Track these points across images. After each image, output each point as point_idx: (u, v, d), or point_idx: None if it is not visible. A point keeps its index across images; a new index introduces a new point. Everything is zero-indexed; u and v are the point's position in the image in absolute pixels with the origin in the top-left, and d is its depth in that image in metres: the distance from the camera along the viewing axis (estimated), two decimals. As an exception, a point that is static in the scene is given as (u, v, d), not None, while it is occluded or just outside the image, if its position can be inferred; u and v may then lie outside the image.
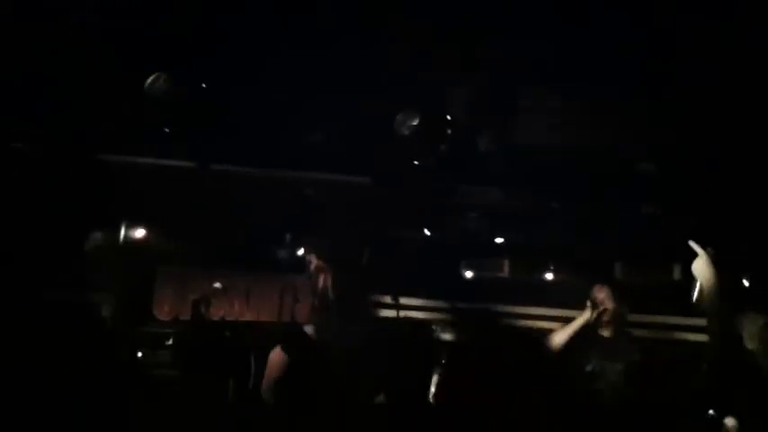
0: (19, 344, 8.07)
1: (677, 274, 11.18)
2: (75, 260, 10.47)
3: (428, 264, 11.76)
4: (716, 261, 5.31)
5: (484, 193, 10.40)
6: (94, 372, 8.07)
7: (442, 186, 10.19)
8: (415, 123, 8.67)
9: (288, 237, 11.48)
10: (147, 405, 8.13)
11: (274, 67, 8.46)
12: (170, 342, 10.64)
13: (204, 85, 8.68)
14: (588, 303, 7.72)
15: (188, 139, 9.38)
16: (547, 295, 11.53)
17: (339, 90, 8.46)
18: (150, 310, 11.91)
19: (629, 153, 9.04)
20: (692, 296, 5.69)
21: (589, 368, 7.49)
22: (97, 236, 10.76)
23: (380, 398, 6.62)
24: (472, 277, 12.08)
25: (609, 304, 7.76)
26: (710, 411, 6.68)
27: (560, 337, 7.59)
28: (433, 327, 10.73)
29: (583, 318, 7.67)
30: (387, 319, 11.84)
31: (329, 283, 10.04)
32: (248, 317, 11.92)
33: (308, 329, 9.32)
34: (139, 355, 10.35)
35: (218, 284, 11.12)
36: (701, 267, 5.31)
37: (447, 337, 10.42)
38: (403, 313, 11.43)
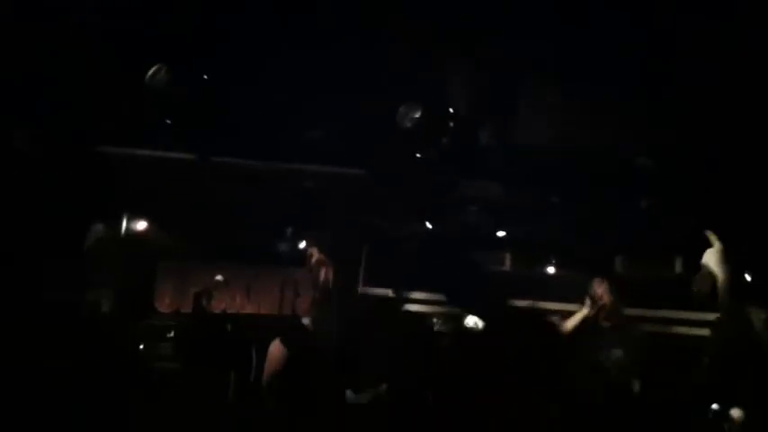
0: (22, 337, 8.11)
1: (678, 268, 11.20)
2: (76, 254, 10.48)
3: (429, 257, 11.77)
4: (728, 254, 5.34)
5: (485, 188, 10.40)
6: (97, 364, 8.12)
7: (444, 180, 10.18)
8: (417, 116, 8.66)
9: (289, 230, 11.47)
10: (149, 398, 8.18)
11: (275, 63, 8.47)
12: (171, 335, 10.65)
13: (205, 77, 8.65)
14: (587, 299, 7.76)
15: (188, 131, 9.37)
16: (548, 289, 11.54)
17: (340, 86, 8.46)
18: (152, 303, 11.94)
19: (629, 150, 9.03)
20: (695, 286, 5.72)
21: (590, 358, 7.55)
22: (98, 229, 10.76)
23: (381, 389, 6.66)
24: (473, 271, 12.08)
25: (607, 299, 7.80)
26: (714, 405, 6.71)
27: (565, 326, 7.65)
28: (434, 320, 10.75)
29: (582, 312, 7.71)
30: (388, 312, 11.88)
31: (330, 276, 10.06)
32: (249, 310, 11.94)
33: (308, 322, 9.35)
34: (141, 347, 10.37)
35: (219, 277, 11.12)
36: (714, 259, 5.34)
37: (447, 329, 10.45)
38: (404, 306, 11.46)
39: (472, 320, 10.18)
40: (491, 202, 10.60)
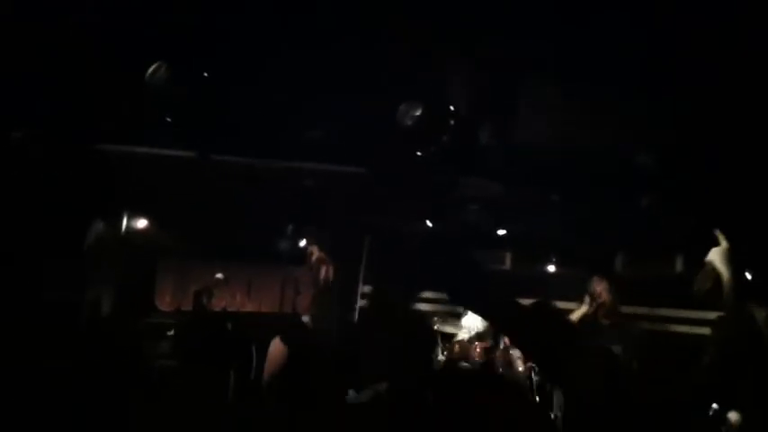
0: (22, 336, 8.12)
1: (678, 267, 11.22)
2: (76, 252, 10.49)
3: (429, 256, 11.77)
4: (733, 252, 5.35)
5: (485, 187, 10.41)
6: (97, 363, 8.12)
7: (444, 179, 10.18)
8: (417, 114, 8.66)
9: (289, 228, 11.49)
10: (149, 397, 8.19)
11: (275, 63, 8.46)
12: (171, 333, 10.68)
13: (206, 74, 8.65)
14: (586, 297, 7.80)
15: (189, 129, 9.37)
16: (548, 287, 11.56)
17: (340, 86, 8.45)
18: (152, 301, 11.96)
19: (629, 150, 9.03)
20: (697, 284, 5.72)
21: (587, 356, 7.56)
22: (98, 227, 10.77)
23: (381, 387, 6.66)
24: (474, 270, 12.09)
25: (606, 297, 7.84)
26: (714, 405, 6.72)
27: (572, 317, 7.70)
28: (434, 318, 10.77)
29: (581, 310, 7.75)
30: (387, 310, 11.89)
31: (330, 274, 10.07)
32: (250, 308, 11.98)
33: (308, 320, 9.37)
34: (141, 346, 10.39)
35: (219, 275, 11.15)
36: (720, 257, 5.35)
37: (447, 328, 10.47)
38: (404, 305, 11.49)
39: (470, 320, 10.21)
40: (491, 201, 10.61)
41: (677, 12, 7.14)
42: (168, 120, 8.99)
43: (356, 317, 12.32)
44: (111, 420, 7.40)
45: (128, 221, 11.30)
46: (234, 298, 12.08)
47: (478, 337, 10.01)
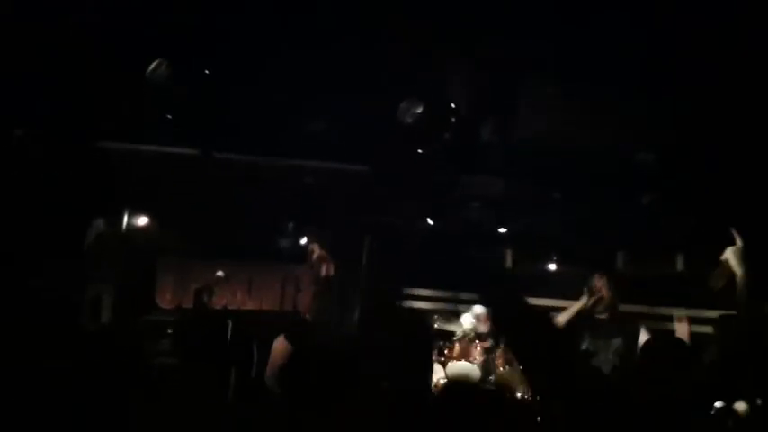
0: (22, 335, 8.13)
1: (679, 266, 11.23)
2: (76, 250, 10.50)
3: (430, 253, 11.78)
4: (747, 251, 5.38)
5: (487, 185, 10.41)
6: (97, 361, 8.13)
7: (445, 177, 10.18)
8: (418, 111, 8.66)
9: (290, 226, 11.49)
10: (150, 395, 8.19)
11: (275, 62, 8.46)
12: (172, 331, 10.68)
13: (207, 72, 8.65)
14: (585, 290, 7.81)
15: (189, 127, 9.37)
16: (549, 286, 11.57)
17: (340, 85, 8.45)
18: (153, 299, 11.97)
19: (630, 149, 9.05)
20: (712, 282, 5.75)
21: (584, 346, 7.60)
22: (99, 225, 10.78)
23: (383, 385, 6.66)
24: (474, 268, 12.10)
25: (605, 292, 7.85)
26: (717, 403, 6.72)
27: (561, 318, 7.70)
28: (435, 316, 10.76)
29: (580, 303, 7.76)
30: (388, 308, 11.88)
31: (331, 272, 10.07)
32: (250, 306, 11.98)
33: (309, 318, 9.36)
34: (142, 343, 10.40)
35: (220, 273, 11.14)
36: (735, 255, 5.38)
37: (447, 327, 10.46)
38: (404, 303, 11.49)
39: (470, 319, 10.20)
40: (493, 200, 10.61)
41: (677, 12, 7.13)
42: (169, 117, 8.99)
43: (357, 315, 12.31)
44: (111, 419, 7.40)
45: (128, 219, 11.30)
46: (235, 296, 12.08)
47: (478, 336, 9.99)
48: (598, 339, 7.69)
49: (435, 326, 10.27)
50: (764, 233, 7.37)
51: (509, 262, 12.21)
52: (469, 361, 9.77)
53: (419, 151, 9.30)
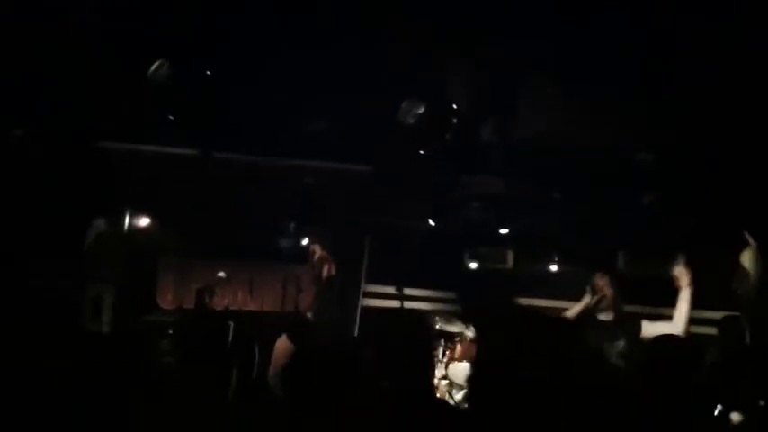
0: (23, 335, 8.13)
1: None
2: (77, 250, 10.51)
3: (431, 254, 11.78)
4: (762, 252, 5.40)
5: (488, 185, 10.41)
6: (97, 362, 8.12)
7: (446, 177, 10.18)
8: (420, 112, 8.65)
9: (291, 226, 11.49)
10: (150, 395, 8.18)
11: (276, 62, 8.46)
12: (172, 331, 10.69)
13: (208, 72, 8.65)
14: (588, 289, 7.78)
15: (191, 128, 9.38)
16: (551, 286, 11.56)
17: (340, 85, 8.45)
18: (153, 299, 11.97)
19: (630, 149, 9.04)
20: (735, 285, 5.77)
21: (587, 351, 7.56)
22: (99, 225, 10.79)
23: (383, 385, 6.66)
24: (475, 268, 12.11)
25: (608, 291, 7.82)
26: (718, 406, 6.72)
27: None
28: (436, 317, 10.75)
29: (583, 302, 7.73)
30: (389, 308, 11.90)
31: (333, 273, 10.06)
32: (252, 306, 11.99)
33: (311, 317, 9.37)
34: (142, 344, 10.41)
35: (221, 274, 11.15)
36: (749, 257, 5.41)
37: (449, 327, 10.45)
38: (405, 303, 11.48)
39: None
40: (494, 201, 10.60)
41: (677, 12, 7.13)
42: (170, 118, 8.99)
43: (358, 315, 12.35)
44: (112, 419, 7.39)
45: (129, 219, 11.31)
46: (236, 296, 12.08)
47: (481, 337, 10.00)
48: (602, 342, 7.66)
49: (437, 326, 10.25)
50: (765, 233, 7.40)
51: (510, 262, 12.21)
52: (471, 362, 9.77)
53: (420, 152, 9.29)
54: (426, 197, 10.99)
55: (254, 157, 10.32)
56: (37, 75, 8.20)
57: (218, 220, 11.20)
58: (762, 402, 6.94)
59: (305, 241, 11.15)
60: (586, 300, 7.72)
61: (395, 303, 11.69)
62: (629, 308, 8.45)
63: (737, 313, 7.45)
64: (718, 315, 8.53)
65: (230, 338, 10.39)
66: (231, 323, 10.47)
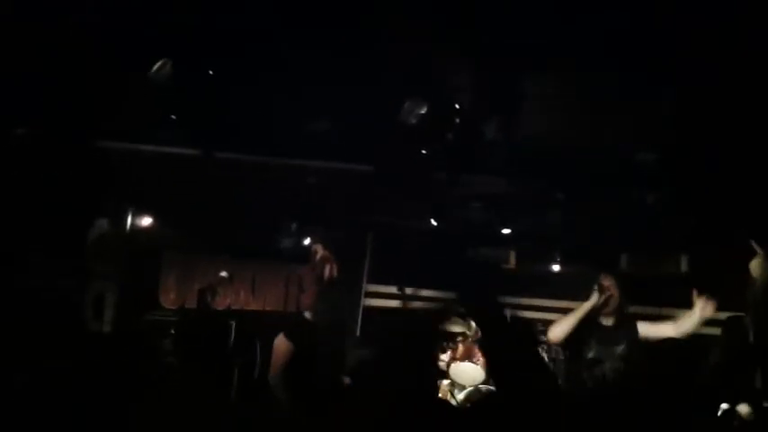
0: (24, 334, 8.15)
1: (683, 266, 11.21)
2: (79, 250, 10.53)
3: (433, 254, 11.78)
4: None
5: (490, 185, 10.41)
6: (100, 361, 8.15)
7: (448, 177, 10.19)
8: (422, 112, 8.65)
9: (293, 226, 11.51)
10: (153, 394, 8.21)
11: (277, 62, 8.46)
12: (175, 331, 10.72)
13: (210, 72, 8.66)
14: (596, 287, 7.77)
15: (192, 126, 9.39)
16: (553, 286, 11.57)
17: (343, 83, 8.46)
18: (156, 298, 12.00)
19: (631, 149, 9.04)
20: (750, 295, 5.78)
21: (591, 354, 7.56)
22: (102, 224, 10.81)
23: (383, 386, 6.68)
24: (477, 268, 12.12)
25: (614, 291, 7.81)
26: (723, 405, 6.73)
27: (568, 321, 7.65)
28: (437, 318, 10.77)
29: (591, 301, 7.72)
30: (390, 308, 11.91)
31: (335, 272, 10.07)
32: (254, 305, 12.01)
33: (309, 316, 9.38)
34: (145, 343, 10.43)
35: (224, 273, 11.17)
36: (756, 264, 5.42)
37: (450, 327, 10.46)
38: (407, 303, 11.50)
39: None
40: (496, 200, 10.61)
41: (677, 12, 7.12)
42: (173, 117, 9.00)
43: (360, 315, 12.36)
44: (115, 418, 7.43)
45: (131, 219, 11.32)
46: (238, 296, 12.12)
47: (483, 337, 10.04)
48: (604, 347, 7.65)
49: (438, 327, 10.27)
50: (765, 232, 7.39)
51: (512, 262, 12.21)
52: (473, 362, 9.78)
53: (422, 151, 9.29)
54: (428, 197, 10.99)
55: (255, 157, 10.31)
56: (37, 75, 8.21)
57: (220, 219, 11.22)
58: (766, 402, 6.95)
59: (307, 241, 11.16)
60: (594, 299, 7.71)
61: (396, 303, 11.72)
62: (631, 309, 8.46)
63: (742, 314, 7.46)
64: (722, 315, 8.54)
65: (232, 338, 10.42)
66: (233, 323, 10.51)
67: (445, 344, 10.01)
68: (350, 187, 10.82)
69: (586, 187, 9.63)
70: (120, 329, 10.80)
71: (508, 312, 11.35)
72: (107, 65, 8.09)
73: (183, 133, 9.52)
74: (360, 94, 8.49)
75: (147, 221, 11.44)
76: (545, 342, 10.46)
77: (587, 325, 7.69)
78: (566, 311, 8.08)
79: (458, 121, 8.93)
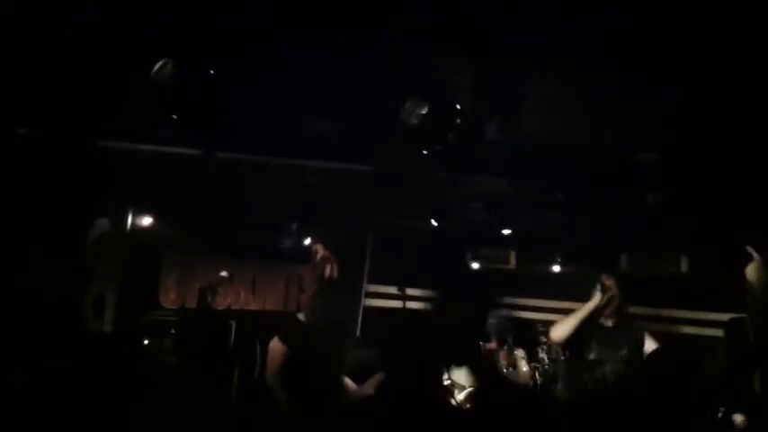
0: (23, 334, 8.14)
1: (683, 267, 11.21)
2: (79, 250, 10.53)
3: (433, 254, 11.78)
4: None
5: (490, 185, 10.42)
6: (100, 361, 8.15)
7: (448, 177, 10.19)
8: (423, 112, 8.65)
9: (293, 226, 11.52)
10: (152, 394, 8.21)
11: (277, 62, 8.46)
12: (175, 330, 10.73)
13: (212, 72, 8.66)
14: (598, 287, 7.77)
15: (193, 126, 9.39)
16: (554, 287, 11.57)
17: (343, 83, 8.46)
18: (156, 298, 12.01)
19: (631, 149, 9.04)
20: (750, 300, 5.79)
21: (592, 356, 7.57)
22: (102, 224, 10.82)
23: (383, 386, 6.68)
24: (478, 268, 12.11)
25: (615, 291, 7.82)
26: (721, 408, 6.73)
27: (571, 321, 7.66)
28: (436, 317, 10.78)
29: (593, 301, 7.73)
30: (390, 308, 11.91)
31: (335, 273, 10.07)
32: (254, 305, 12.02)
33: (302, 317, 9.37)
34: (145, 343, 10.43)
35: (224, 273, 11.17)
36: (752, 269, 5.42)
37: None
38: (407, 304, 11.49)
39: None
40: (496, 201, 10.61)
41: (677, 12, 7.12)
42: (174, 117, 9.00)
43: (360, 315, 12.36)
44: (114, 418, 7.42)
45: (132, 219, 11.33)
46: (238, 296, 12.14)
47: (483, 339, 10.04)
48: (605, 348, 7.66)
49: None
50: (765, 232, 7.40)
51: (513, 262, 12.21)
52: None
53: (423, 151, 9.30)
54: (428, 197, 10.99)
55: (256, 157, 10.31)
56: (37, 75, 8.21)
57: (220, 219, 11.23)
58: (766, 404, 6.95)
59: (307, 241, 11.16)
60: (597, 299, 7.72)
61: (397, 303, 11.72)
62: (632, 309, 8.47)
63: (743, 315, 7.46)
64: (724, 317, 8.54)
65: (232, 338, 10.42)
66: (233, 323, 10.50)
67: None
68: (350, 187, 10.81)
69: (586, 187, 9.63)
70: (120, 329, 10.81)
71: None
72: (107, 65, 8.08)
73: (183, 133, 9.50)
74: (360, 94, 8.48)
75: (147, 221, 11.44)
76: (545, 342, 10.46)
77: (588, 326, 7.70)
78: (566, 312, 8.09)
79: (458, 121, 8.92)
